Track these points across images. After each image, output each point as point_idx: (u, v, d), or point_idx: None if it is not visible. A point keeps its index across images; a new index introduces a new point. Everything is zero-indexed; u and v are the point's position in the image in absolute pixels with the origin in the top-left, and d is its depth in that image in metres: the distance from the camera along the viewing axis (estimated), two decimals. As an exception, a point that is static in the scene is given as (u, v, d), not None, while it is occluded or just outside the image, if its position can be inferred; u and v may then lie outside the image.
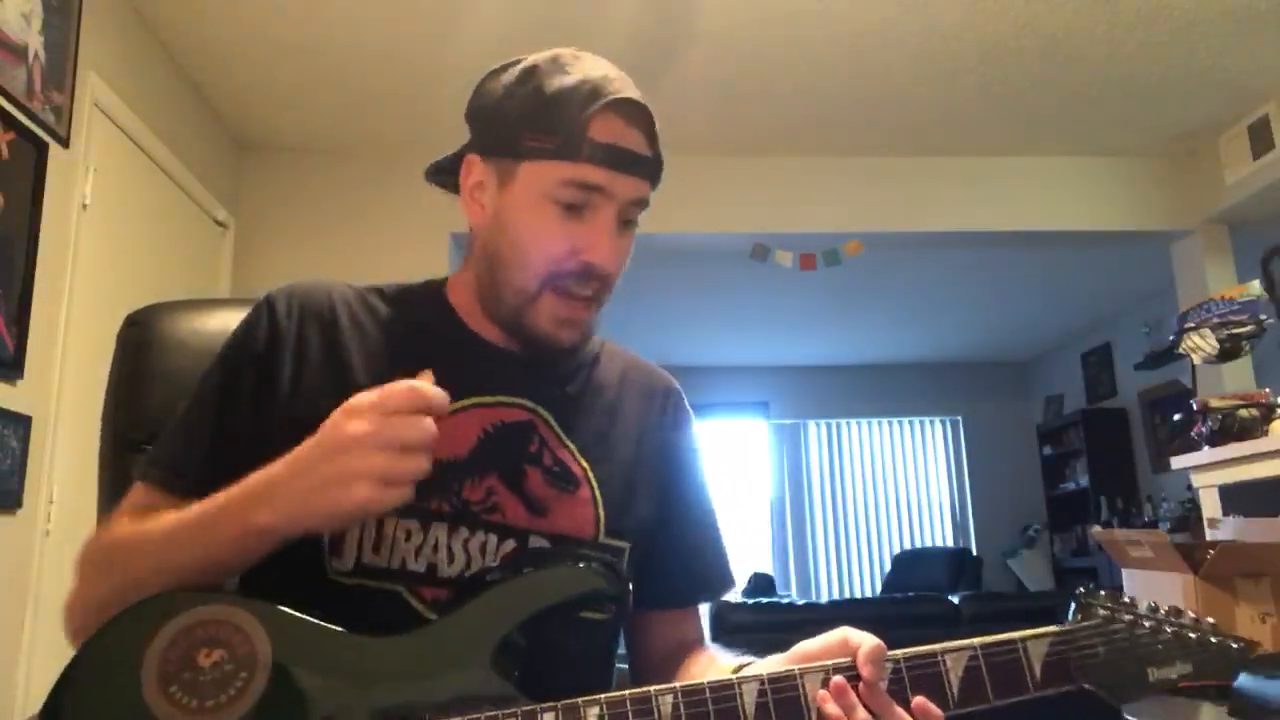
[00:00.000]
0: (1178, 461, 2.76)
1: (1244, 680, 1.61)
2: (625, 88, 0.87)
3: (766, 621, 3.35)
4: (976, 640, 0.74)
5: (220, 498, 0.74)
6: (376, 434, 0.69)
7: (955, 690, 0.72)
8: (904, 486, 7.64)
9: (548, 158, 0.84)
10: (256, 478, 0.73)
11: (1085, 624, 0.75)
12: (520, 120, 0.85)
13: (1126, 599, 0.76)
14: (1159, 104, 3.66)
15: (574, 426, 0.91)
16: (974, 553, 6.97)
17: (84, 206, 2.59)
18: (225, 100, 3.51)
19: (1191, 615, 0.75)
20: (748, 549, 7.30)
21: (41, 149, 2.35)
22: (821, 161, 4.06)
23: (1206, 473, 2.66)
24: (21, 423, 2.28)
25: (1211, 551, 1.88)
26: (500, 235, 0.87)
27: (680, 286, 5.47)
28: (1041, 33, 3.15)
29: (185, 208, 3.34)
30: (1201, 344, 2.78)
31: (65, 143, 2.47)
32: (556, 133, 0.84)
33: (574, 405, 0.93)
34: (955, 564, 6.45)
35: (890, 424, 7.71)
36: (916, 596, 3.86)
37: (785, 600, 5.20)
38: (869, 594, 7.25)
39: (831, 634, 0.77)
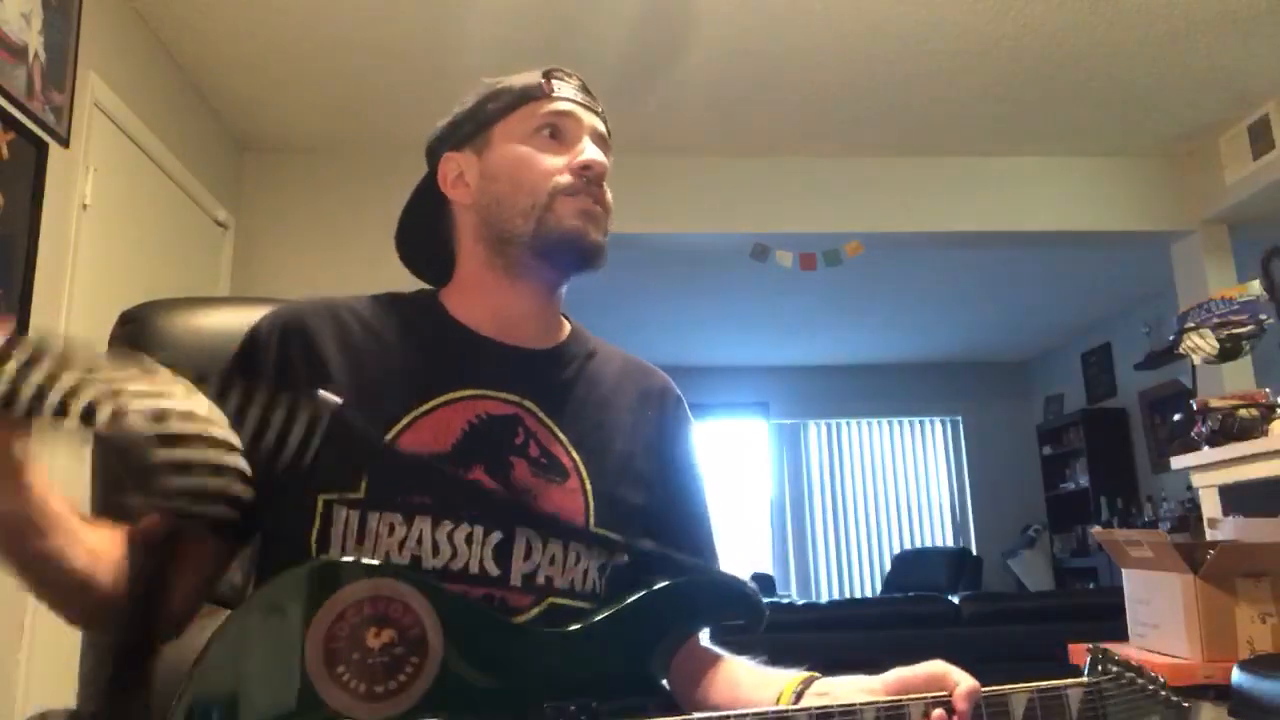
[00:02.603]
0: (1178, 461, 2.76)
1: (1244, 680, 1.61)
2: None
3: (766, 621, 3.35)
4: (1033, 685, 0.77)
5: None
6: None
7: None
8: (904, 486, 7.64)
9: (516, 108, 0.95)
10: None
11: (1105, 677, 0.80)
12: (483, 99, 0.97)
13: (1116, 658, 0.83)
14: (1159, 104, 3.66)
15: (565, 419, 0.91)
16: (974, 553, 6.97)
17: (84, 206, 2.59)
18: (225, 100, 3.51)
19: (1152, 675, 0.83)
20: (748, 549, 7.30)
21: (41, 149, 2.36)
22: (821, 162, 4.06)
23: (1206, 473, 2.65)
24: (21, 423, 2.28)
25: (1211, 551, 1.88)
26: (495, 184, 0.94)
27: (680, 286, 5.47)
28: (1041, 33, 3.15)
29: (185, 208, 3.34)
30: (1201, 344, 2.78)
31: (65, 143, 2.47)
32: (513, 95, 0.96)
33: (566, 398, 0.93)
34: (955, 564, 6.46)
35: (890, 424, 7.72)
36: (916, 596, 3.86)
37: (785, 600, 5.20)
38: (869, 594, 7.25)
39: (931, 665, 0.78)
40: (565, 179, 0.92)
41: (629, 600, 0.77)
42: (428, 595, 0.68)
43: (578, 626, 0.75)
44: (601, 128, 0.98)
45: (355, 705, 0.62)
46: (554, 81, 0.96)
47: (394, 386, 0.87)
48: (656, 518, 0.95)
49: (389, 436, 0.83)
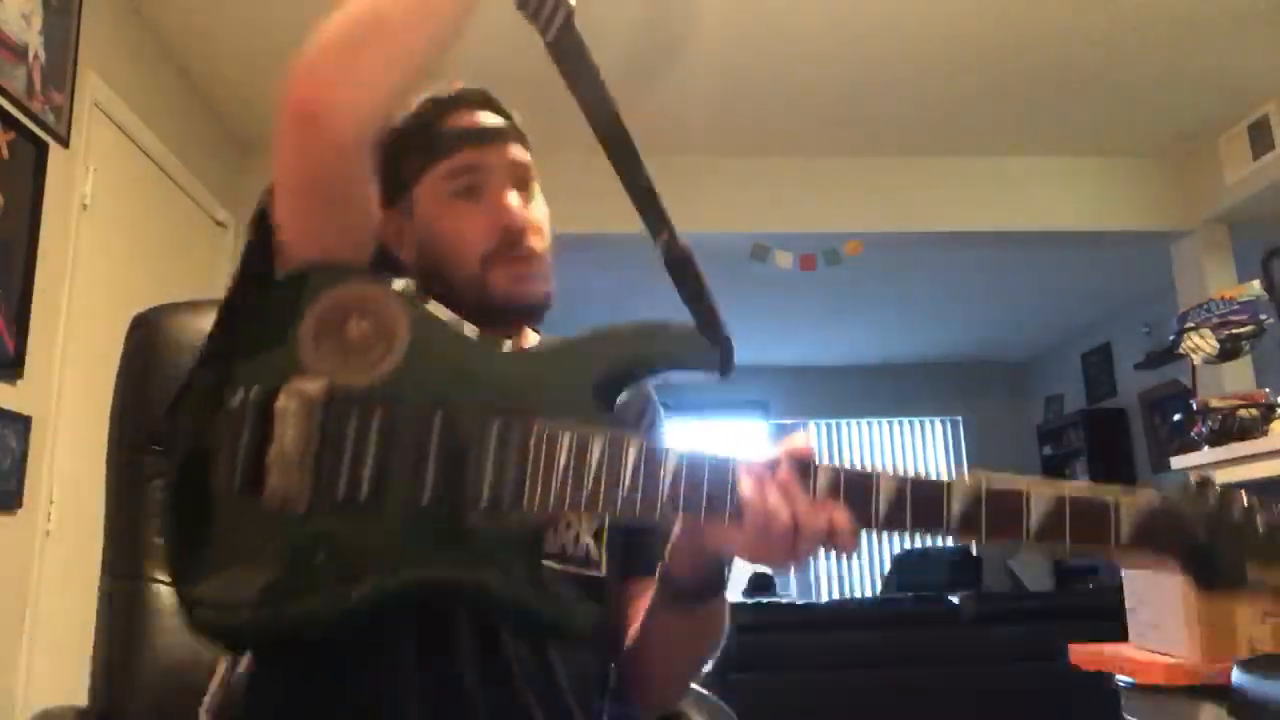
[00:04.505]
0: (1178, 461, 2.76)
1: (1244, 680, 1.61)
2: (465, 87, 0.97)
3: (766, 621, 3.35)
4: (1068, 486, 0.69)
5: None
6: None
7: (1033, 526, 0.68)
8: (904, 486, 7.64)
9: (425, 168, 0.93)
10: None
11: (1194, 503, 0.70)
12: (391, 160, 0.93)
13: (1244, 495, 0.70)
14: (1159, 104, 3.66)
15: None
16: (974, 553, 6.96)
17: (84, 206, 2.59)
18: (225, 100, 3.51)
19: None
20: (748, 549, 7.29)
21: (41, 149, 2.35)
22: (821, 161, 4.06)
23: (1206, 473, 2.65)
24: (21, 423, 2.28)
25: (1212, 551, 1.88)
26: (429, 250, 0.93)
27: (680, 286, 5.47)
28: (1041, 33, 3.15)
29: (185, 208, 3.34)
30: (1201, 344, 2.78)
31: (65, 143, 2.47)
32: (420, 148, 0.93)
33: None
34: (955, 564, 6.44)
35: (890, 424, 7.71)
36: (916, 597, 3.86)
37: (785, 600, 5.20)
38: (869, 594, 7.25)
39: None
40: (490, 245, 0.91)
41: (585, 333, 0.80)
42: (404, 304, 0.78)
43: (526, 352, 0.85)
44: (518, 156, 0.95)
45: (328, 371, 0.74)
46: (454, 129, 0.93)
47: None
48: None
49: None
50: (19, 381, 2.27)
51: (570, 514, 0.87)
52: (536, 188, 0.96)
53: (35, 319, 2.32)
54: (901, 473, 0.71)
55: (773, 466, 0.72)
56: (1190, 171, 4.08)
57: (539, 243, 0.94)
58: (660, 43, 3.16)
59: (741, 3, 2.96)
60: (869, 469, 0.71)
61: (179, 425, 0.76)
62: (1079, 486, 0.69)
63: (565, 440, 0.72)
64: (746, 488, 0.71)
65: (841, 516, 0.69)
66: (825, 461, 0.73)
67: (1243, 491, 0.70)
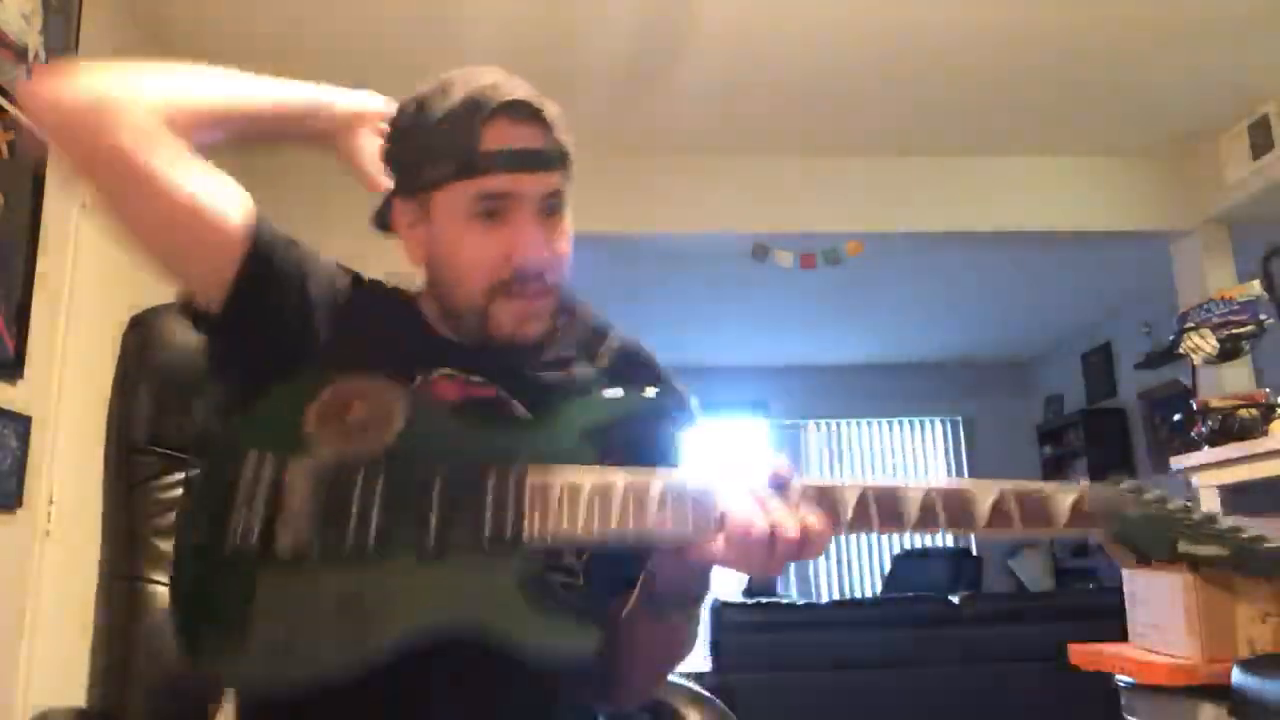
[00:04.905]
0: (1178, 461, 2.76)
1: (1244, 680, 1.61)
2: (513, 90, 0.88)
3: (766, 621, 3.35)
4: (1009, 483, 0.80)
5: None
6: None
7: (986, 514, 0.78)
8: (904, 486, 7.63)
9: (451, 181, 0.87)
10: None
11: (1120, 487, 0.80)
12: (419, 155, 0.90)
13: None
14: (1159, 104, 3.66)
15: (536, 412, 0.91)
16: (974, 553, 6.96)
17: (84, 206, 2.59)
18: (225, 100, 3.50)
19: (1227, 520, 0.79)
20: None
21: (42, 149, 2.35)
22: (821, 161, 4.06)
23: (1206, 473, 2.65)
24: (21, 423, 2.28)
25: (1212, 551, 1.88)
26: (439, 264, 0.91)
27: (680, 286, 5.47)
28: (1042, 33, 3.15)
29: (185, 208, 3.34)
30: (1201, 344, 2.78)
31: (65, 143, 2.47)
32: (452, 156, 0.87)
33: (546, 392, 0.92)
34: (955, 564, 6.44)
35: (890, 424, 7.71)
36: (916, 597, 3.85)
37: (785, 600, 5.20)
38: (869, 594, 7.25)
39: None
40: (501, 275, 0.87)
41: (570, 403, 0.84)
42: (404, 393, 0.82)
43: (510, 428, 0.87)
44: (549, 185, 0.89)
45: (333, 443, 0.79)
46: (492, 147, 0.86)
47: (397, 362, 0.88)
48: None
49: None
50: (19, 381, 2.27)
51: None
52: (567, 210, 0.92)
53: (35, 319, 2.32)
54: (863, 479, 0.80)
55: (750, 481, 0.77)
56: (1190, 171, 4.07)
57: (553, 277, 0.90)
58: (660, 43, 3.16)
59: (741, 3, 2.96)
60: (833, 483, 0.79)
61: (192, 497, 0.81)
62: (1016, 483, 0.80)
63: (558, 483, 0.77)
64: (727, 501, 0.76)
65: (814, 520, 0.75)
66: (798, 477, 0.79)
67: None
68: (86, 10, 2.56)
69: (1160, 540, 0.78)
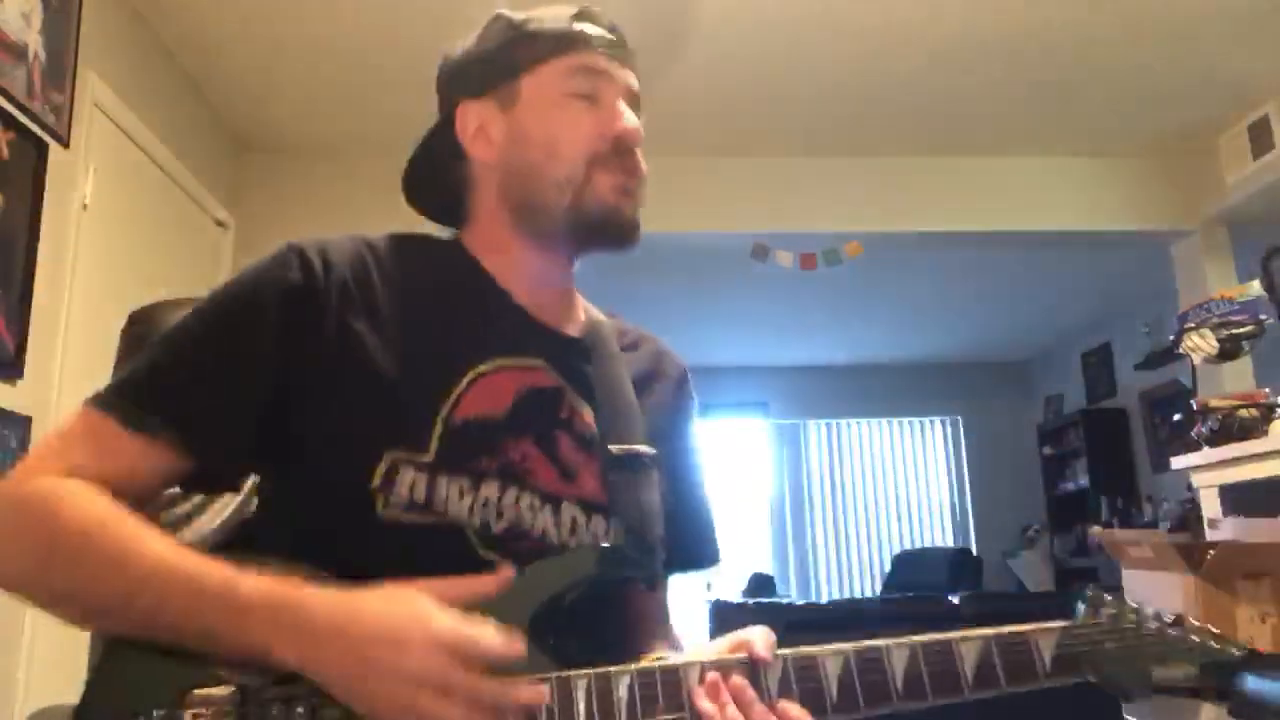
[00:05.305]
0: (1178, 461, 2.76)
1: (1244, 680, 1.62)
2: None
3: (766, 621, 3.34)
4: (990, 631, 0.79)
5: (244, 592, 0.69)
6: (471, 691, 0.66)
7: (970, 677, 0.77)
8: (904, 486, 7.64)
9: (548, 58, 0.89)
10: (293, 605, 0.69)
11: (1094, 621, 0.78)
12: (509, 43, 0.91)
13: (1133, 603, 0.79)
14: (1159, 104, 3.66)
15: (592, 397, 0.91)
16: (974, 553, 6.96)
17: (84, 206, 2.59)
18: (225, 99, 3.51)
19: (1194, 622, 0.78)
20: (748, 549, 7.29)
21: (41, 149, 2.35)
22: (821, 161, 4.06)
23: (1206, 473, 2.65)
24: (21, 423, 2.28)
25: (1211, 551, 1.88)
26: (526, 147, 0.89)
27: (680, 286, 5.47)
28: (1041, 33, 3.15)
29: (185, 208, 3.34)
30: (1201, 344, 2.78)
31: (65, 143, 2.47)
32: (551, 35, 0.89)
33: (596, 388, 0.92)
34: (955, 564, 6.44)
35: (890, 424, 7.71)
36: (916, 597, 3.85)
37: (785, 600, 5.20)
38: (869, 594, 7.25)
39: (742, 634, 0.80)
40: (602, 146, 0.88)
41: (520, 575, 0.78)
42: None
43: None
44: (634, 82, 0.93)
45: (228, 675, 0.71)
46: (588, 28, 0.90)
47: (450, 344, 0.85)
48: (667, 506, 0.95)
49: (451, 398, 0.82)
50: (19, 381, 2.27)
51: None
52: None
53: (35, 319, 2.32)
54: (845, 648, 0.78)
55: (724, 672, 0.74)
56: (1190, 171, 4.07)
57: (642, 168, 0.91)
58: (660, 43, 3.16)
59: (741, 3, 2.96)
60: (815, 654, 0.77)
61: None
62: (1000, 630, 0.79)
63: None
64: (701, 701, 0.72)
65: (795, 713, 0.73)
66: (772, 655, 0.76)
67: (1131, 601, 0.80)
68: (86, 10, 2.56)
69: (1135, 675, 0.77)
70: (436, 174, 0.96)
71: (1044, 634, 0.78)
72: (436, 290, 0.89)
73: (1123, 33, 3.15)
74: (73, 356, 2.49)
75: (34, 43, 2.32)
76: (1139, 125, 3.85)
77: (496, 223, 0.92)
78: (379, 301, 0.84)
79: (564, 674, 0.72)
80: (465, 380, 0.83)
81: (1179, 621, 0.77)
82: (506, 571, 0.75)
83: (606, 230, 0.89)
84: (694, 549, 1.00)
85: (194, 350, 0.82)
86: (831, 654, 0.77)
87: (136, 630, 0.72)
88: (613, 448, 0.89)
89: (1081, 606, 0.79)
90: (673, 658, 0.80)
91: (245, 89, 3.43)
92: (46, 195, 2.36)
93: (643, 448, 0.91)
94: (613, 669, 0.73)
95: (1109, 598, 0.79)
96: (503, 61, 0.90)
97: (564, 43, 0.89)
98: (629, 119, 0.89)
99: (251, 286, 0.83)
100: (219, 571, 0.71)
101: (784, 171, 4.03)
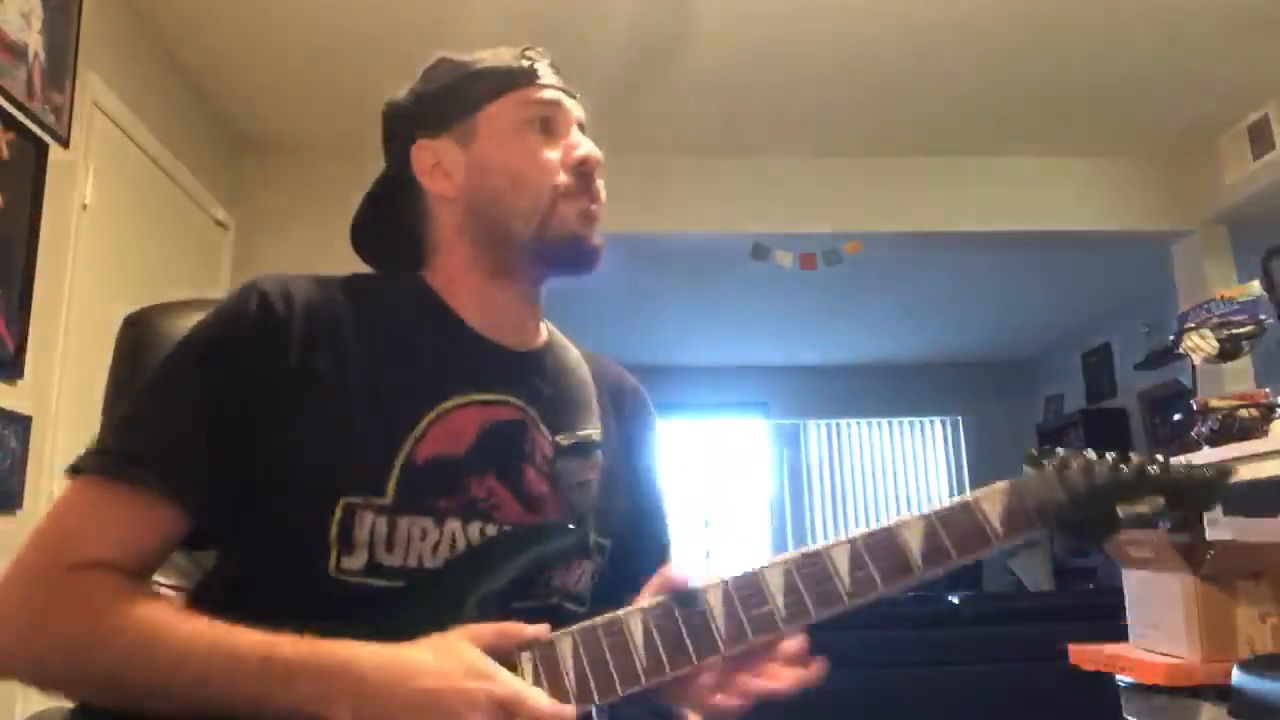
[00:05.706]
0: (1178, 461, 2.75)
1: (1244, 680, 1.61)
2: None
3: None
4: (929, 510, 0.78)
5: (284, 657, 0.69)
6: None
7: (919, 557, 0.76)
8: (904, 486, 7.64)
9: (504, 91, 0.91)
10: (340, 665, 0.69)
11: (1038, 474, 0.77)
12: (461, 80, 0.92)
13: (1085, 451, 0.79)
14: (1159, 104, 3.66)
15: (558, 427, 0.91)
16: (974, 552, 6.96)
17: (84, 206, 2.59)
18: (225, 100, 3.51)
19: (1155, 456, 0.78)
20: (747, 549, 7.29)
21: (41, 149, 2.35)
22: (821, 161, 4.06)
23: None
24: (21, 423, 2.28)
25: (1211, 551, 1.88)
26: (489, 177, 0.90)
27: (680, 286, 5.47)
28: (1041, 33, 3.15)
29: (185, 208, 3.34)
30: (1201, 344, 2.77)
31: (65, 143, 2.47)
32: (504, 72, 0.92)
33: (556, 405, 0.93)
34: (955, 564, 6.44)
35: (890, 424, 7.71)
36: (915, 597, 3.85)
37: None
38: (869, 594, 7.24)
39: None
40: (564, 178, 0.89)
41: (440, 579, 0.80)
42: None
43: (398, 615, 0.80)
44: (582, 114, 0.96)
45: None
46: (536, 65, 0.93)
47: (409, 386, 0.84)
48: (631, 520, 0.97)
49: (411, 438, 0.81)
50: (19, 382, 2.27)
51: None
52: None
53: (35, 319, 2.32)
54: (786, 557, 0.79)
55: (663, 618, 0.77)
56: (1190, 171, 4.07)
57: (601, 195, 0.93)
58: (659, 43, 3.16)
59: (741, 2, 2.96)
60: (755, 572, 0.80)
61: None
62: (938, 507, 0.77)
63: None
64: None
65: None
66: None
67: (1084, 451, 0.79)
68: (86, 10, 2.56)
69: (1097, 519, 0.74)
70: (392, 216, 0.97)
71: (987, 496, 0.78)
72: (399, 327, 0.89)
73: (1122, 33, 3.15)
74: (73, 356, 2.49)
75: (34, 43, 2.32)
76: (1139, 125, 3.85)
77: (457, 255, 0.93)
78: (341, 339, 0.84)
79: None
80: (425, 420, 0.83)
81: (1132, 459, 0.77)
82: (542, 626, 0.76)
83: (571, 257, 0.91)
84: (646, 526, 1.01)
85: (163, 398, 0.81)
86: (770, 566, 0.78)
87: (185, 710, 0.71)
88: (560, 439, 0.90)
89: (1026, 468, 0.77)
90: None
91: (245, 89, 3.43)
92: (46, 195, 2.36)
93: (588, 430, 0.92)
94: (556, 633, 0.76)
95: (1058, 450, 0.78)
96: (457, 98, 0.92)
97: (515, 77, 0.91)
98: (588, 146, 0.92)
99: (216, 327, 0.84)
100: (253, 639, 0.70)
101: (784, 171, 4.03)
